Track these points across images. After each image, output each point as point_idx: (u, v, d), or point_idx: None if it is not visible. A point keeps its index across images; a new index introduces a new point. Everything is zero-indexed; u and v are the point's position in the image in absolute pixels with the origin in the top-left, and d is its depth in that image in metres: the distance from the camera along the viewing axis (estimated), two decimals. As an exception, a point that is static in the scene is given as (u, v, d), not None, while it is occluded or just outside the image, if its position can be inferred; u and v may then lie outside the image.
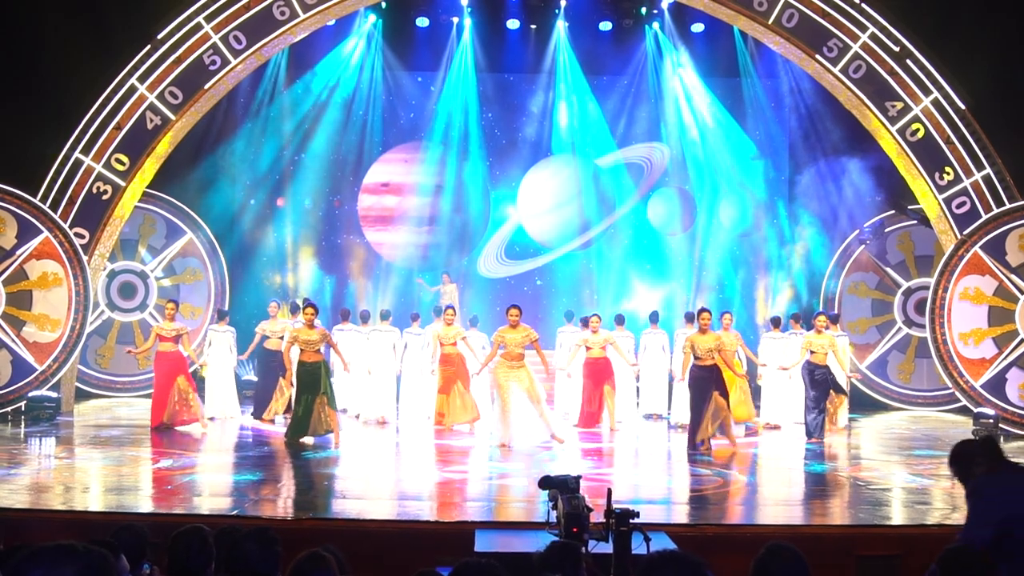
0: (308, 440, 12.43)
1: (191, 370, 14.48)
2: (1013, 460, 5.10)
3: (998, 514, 4.65)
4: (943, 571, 4.33)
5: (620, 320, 15.88)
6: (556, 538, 4.99)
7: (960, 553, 4.38)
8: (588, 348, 14.46)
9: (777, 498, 10.37)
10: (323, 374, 12.66)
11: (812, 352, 13.57)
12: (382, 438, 13.61)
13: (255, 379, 17.03)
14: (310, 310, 12.84)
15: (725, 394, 12.53)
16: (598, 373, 14.39)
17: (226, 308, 16.67)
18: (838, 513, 9.64)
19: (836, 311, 17.20)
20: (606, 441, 13.48)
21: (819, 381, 13.52)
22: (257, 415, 14.82)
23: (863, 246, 17.97)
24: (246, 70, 15.72)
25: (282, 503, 9.51)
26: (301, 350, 12.65)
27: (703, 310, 12.86)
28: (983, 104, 14.92)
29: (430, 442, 13.25)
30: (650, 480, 11.03)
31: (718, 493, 10.24)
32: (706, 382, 12.39)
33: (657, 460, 12.96)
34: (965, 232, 14.74)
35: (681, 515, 9.13)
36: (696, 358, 12.41)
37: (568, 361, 14.95)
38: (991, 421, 14.05)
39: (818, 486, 10.88)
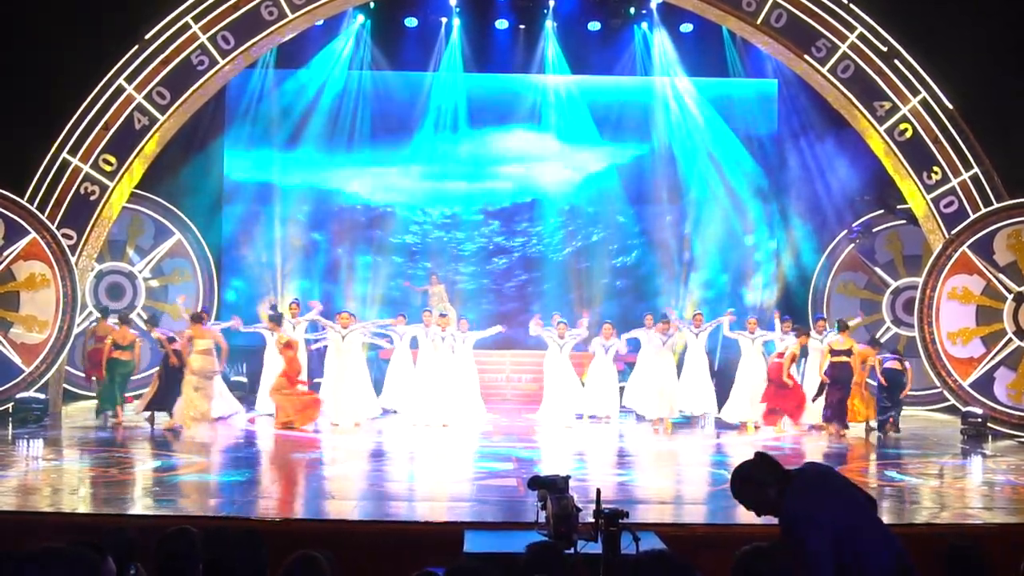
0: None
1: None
2: (791, 468, 4.42)
3: (833, 534, 4.11)
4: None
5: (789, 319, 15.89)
6: (545, 538, 4.98)
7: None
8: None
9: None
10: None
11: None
12: (367, 438, 13.57)
13: (244, 380, 16.97)
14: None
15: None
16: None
17: (211, 308, 16.64)
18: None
19: (824, 311, 17.29)
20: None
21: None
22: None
23: (852, 245, 18.01)
24: (234, 70, 15.69)
25: (270, 504, 9.48)
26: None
27: (840, 321, 14.22)
28: (971, 104, 14.99)
29: (417, 442, 13.22)
30: (639, 479, 11.04)
31: (708, 492, 10.25)
32: (844, 380, 13.72)
33: (648, 459, 12.96)
34: (953, 232, 14.78)
35: (670, 515, 9.12)
36: (835, 355, 13.68)
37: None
38: (979, 420, 14.09)
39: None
